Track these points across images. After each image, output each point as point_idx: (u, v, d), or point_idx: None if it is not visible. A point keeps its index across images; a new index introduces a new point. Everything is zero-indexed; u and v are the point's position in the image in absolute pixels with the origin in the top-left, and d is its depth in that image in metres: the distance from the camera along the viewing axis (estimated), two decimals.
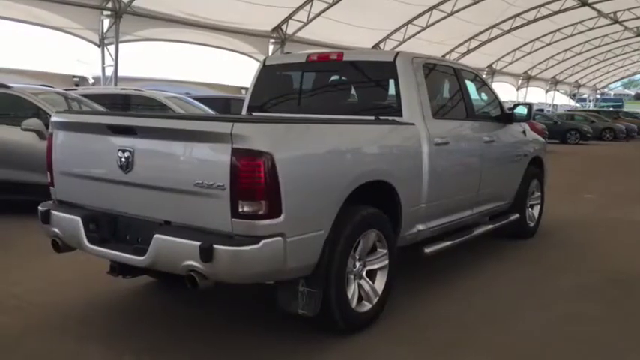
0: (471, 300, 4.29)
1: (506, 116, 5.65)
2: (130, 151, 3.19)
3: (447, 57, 26.06)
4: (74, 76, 14.08)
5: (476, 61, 28.15)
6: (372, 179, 3.63)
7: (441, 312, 4.03)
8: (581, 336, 3.69)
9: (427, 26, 21.15)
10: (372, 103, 4.54)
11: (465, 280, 4.75)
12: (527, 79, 36.46)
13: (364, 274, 3.71)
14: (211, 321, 3.77)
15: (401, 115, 4.24)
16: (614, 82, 58.60)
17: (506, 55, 30.07)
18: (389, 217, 3.87)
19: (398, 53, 4.39)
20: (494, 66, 30.92)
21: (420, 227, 4.29)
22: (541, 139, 6.75)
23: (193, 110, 9.75)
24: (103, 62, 13.76)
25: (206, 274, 2.88)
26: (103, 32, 13.37)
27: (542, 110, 37.46)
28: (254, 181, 2.85)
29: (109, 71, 13.66)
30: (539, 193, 6.48)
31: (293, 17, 17.25)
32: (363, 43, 18.62)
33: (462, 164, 4.76)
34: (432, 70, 4.70)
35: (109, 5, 13.04)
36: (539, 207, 6.51)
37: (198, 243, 2.84)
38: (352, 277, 3.59)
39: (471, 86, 5.27)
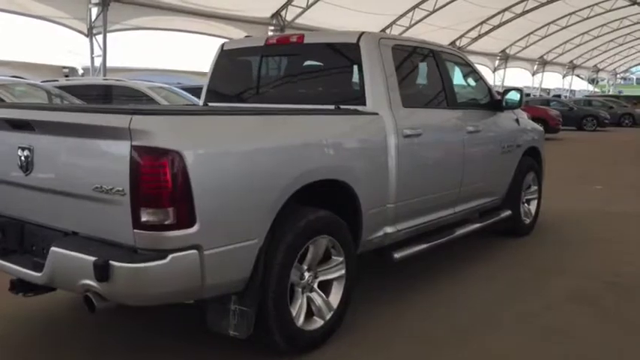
0: (443, 311, 3.81)
1: (495, 103, 5.13)
2: (29, 149, 2.76)
3: (458, 42, 25.32)
4: (64, 67, 13.75)
5: (488, 46, 27.37)
6: (320, 178, 3.16)
7: (407, 326, 3.56)
8: (564, 356, 3.19)
9: (434, 10, 20.37)
10: (335, 91, 4.05)
11: (441, 286, 4.26)
12: (543, 64, 35.39)
13: (315, 286, 3.26)
14: (156, 338, 3.35)
15: (365, 104, 3.76)
16: (634, 65, 56.92)
17: (520, 39, 29.08)
18: (347, 220, 3.41)
19: (362, 34, 3.89)
20: (507, 51, 29.98)
21: (388, 230, 3.82)
22: (539, 128, 6.20)
23: (179, 101, 9.34)
24: (92, 52, 13.34)
25: (104, 295, 2.45)
26: (91, 21, 12.94)
27: (559, 96, 36.46)
28: (158, 185, 2.40)
29: (99, 62, 13.28)
30: (536, 187, 5.95)
31: (293, 3, 16.69)
32: (367, 28, 17.81)
33: (438, 158, 4.25)
34: (404, 52, 4.20)
35: None
36: (536, 202, 5.98)
37: (93, 259, 2.41)
38: (299, 290, 3.15)
39: (453, 71, 4.76)
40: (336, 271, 3.34)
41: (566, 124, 21.90)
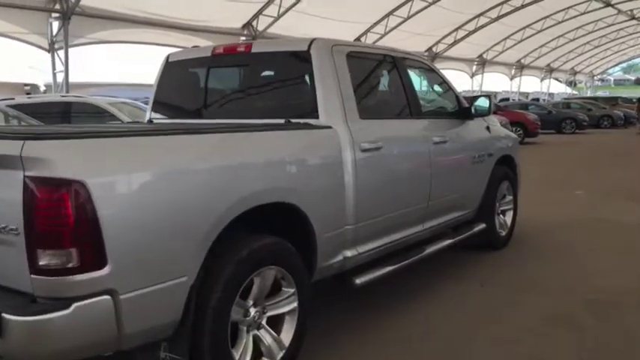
0: (414, 336, 3.50)
1: (463, 111, 4.84)
2: None
3: (434, 48, 25.20)
4: (25, 84, 13.24)
5: (465, 51, 27.30)
6: (265, 202, 2.83)
7: (373, 355, 3.24)
8: None
9: (408, 17, 20.17)
10: (287, 103, 3.73)
11: (411, 309, 3.94)
12: (521, 68, 35.44)
13: (264, 322, 2.92)
14: None
15: (317, 117, 3.45)
16: (611, 67, 57.50)
17: (497, 44, 29.05)
18: (299, 246, 3.09)
19: (313, 41, 3.58)
20: (484, 56, 29.93)
21: (348, 254, 3.50)
22: (512, 135, 5.95)
23: (145, 116, 8.94)
24: (54, 68, 12.78)
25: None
26: (51, 36, 12.43)
27: (537, 100, 36.51)
28: (58, 222, 2.05)
29: (61, 77, 12.79)
30: (511, 197, 5.67)
31: (264, 12, 16.34)
32: (342, 37, 17.54)
33: (401, 172, 3.94)
34: (361, 60, 3.89)
35: (57, 7, 12.13)
36: (512, 212, 5.70)
37: None
38: (244, 329, 2.81)
39: (417, 78, 4.47)
40: (287, 305, 3.01)
41: (545, 127, 21.82)
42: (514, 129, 19.12)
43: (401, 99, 4.15)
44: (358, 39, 19.40)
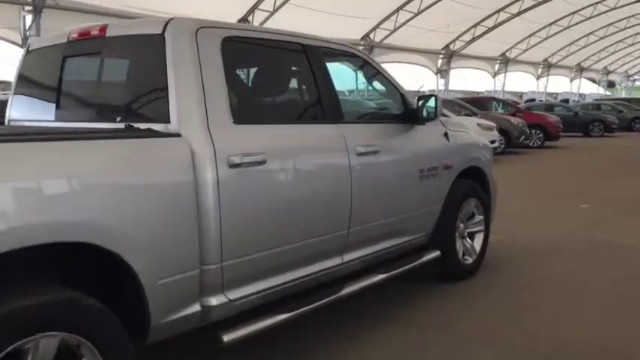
0: None
1: (410, 114, 3.93)
2: None
3: (451, 46, 24.01)
4: (0, 82, 12.73)
5: (485, 49, 26.05)
6: (33, 244, 2.00)
7: None
8: None
9: (419, 12, 19.08)
10: (139, 103, 2.90)
11: None
12: (548, 67, 33.85)
13: None
14: None
15: (169, 121, 2.61)
16: None
17: (521, 41, 27.62)
18: (119, 298, 2.27)
19: (170, 21, 2.74)
20: (507, 54, 28.54)
21: (213, 301, 2.67)
22: (483, 143, 4.93)
23: None
24: None
25: None
26: (24, 30, 11.88)
27: (567, 101, 34.81)
28: None
29: None
30: (481, 217, 4.72)
31: (259, 7, 15.56)
32: (347, 34, 16.62)
33: (301, 192, 3.04)
34: (247, 47, 3.03)
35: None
36: (482, 235, 4.75)
37: None
38: None
39: (339, 71, 3.58)
40: None
41: (571, 130, 20.63)
42: (533, 132, 17.99)
43: (309, 99, 3.29)
44: (367, 35, 18.44)
